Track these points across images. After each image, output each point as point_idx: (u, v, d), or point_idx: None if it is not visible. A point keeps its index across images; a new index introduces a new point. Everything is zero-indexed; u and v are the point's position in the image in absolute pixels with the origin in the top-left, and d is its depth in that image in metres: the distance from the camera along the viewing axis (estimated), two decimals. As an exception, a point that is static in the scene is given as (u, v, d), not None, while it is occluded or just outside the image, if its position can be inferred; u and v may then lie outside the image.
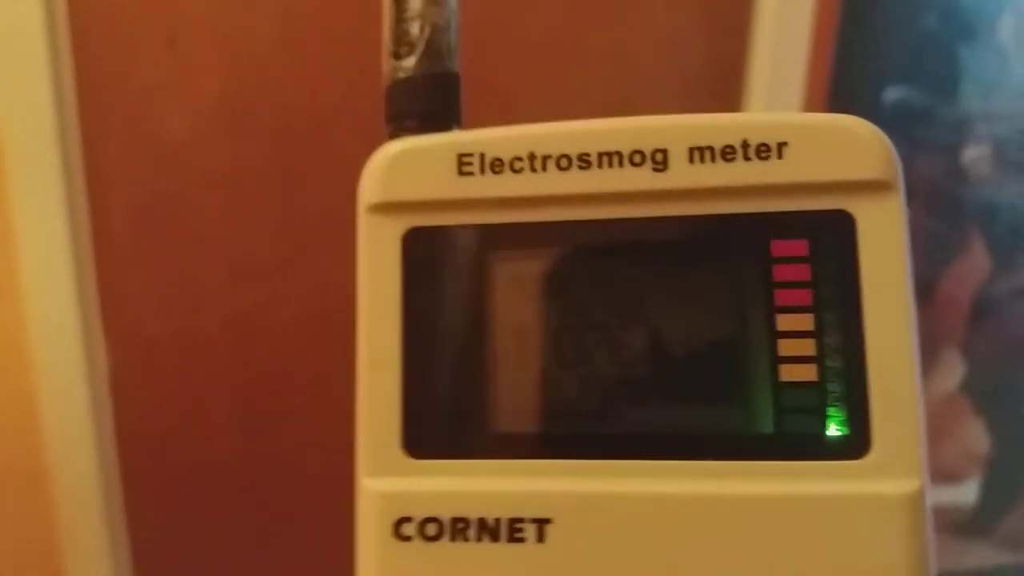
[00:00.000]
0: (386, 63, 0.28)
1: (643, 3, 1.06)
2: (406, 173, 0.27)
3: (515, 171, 0.26)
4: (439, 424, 0.26)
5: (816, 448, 0.25)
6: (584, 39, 1.05)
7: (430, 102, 0.28)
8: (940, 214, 1.22)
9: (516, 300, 0.27)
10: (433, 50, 0.28)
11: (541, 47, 1.05)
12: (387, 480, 0.26)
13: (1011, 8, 1.19)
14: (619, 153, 0.26)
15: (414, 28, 0.28)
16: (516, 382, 0.26)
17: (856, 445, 0.24)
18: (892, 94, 1.17)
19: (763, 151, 0.25)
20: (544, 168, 0.26)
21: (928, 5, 1.16)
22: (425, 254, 0.27)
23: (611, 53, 1.06)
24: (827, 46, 1.10)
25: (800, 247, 0.25)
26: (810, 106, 1.10)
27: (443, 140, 0.27)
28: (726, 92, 1.10)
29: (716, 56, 1.10)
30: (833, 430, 0.25)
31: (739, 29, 1.09)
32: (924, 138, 1.18)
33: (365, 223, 0.27)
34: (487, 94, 0.92)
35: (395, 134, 0.28)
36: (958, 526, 1.33)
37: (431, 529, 0.26)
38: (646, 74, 1.08)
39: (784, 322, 0.25)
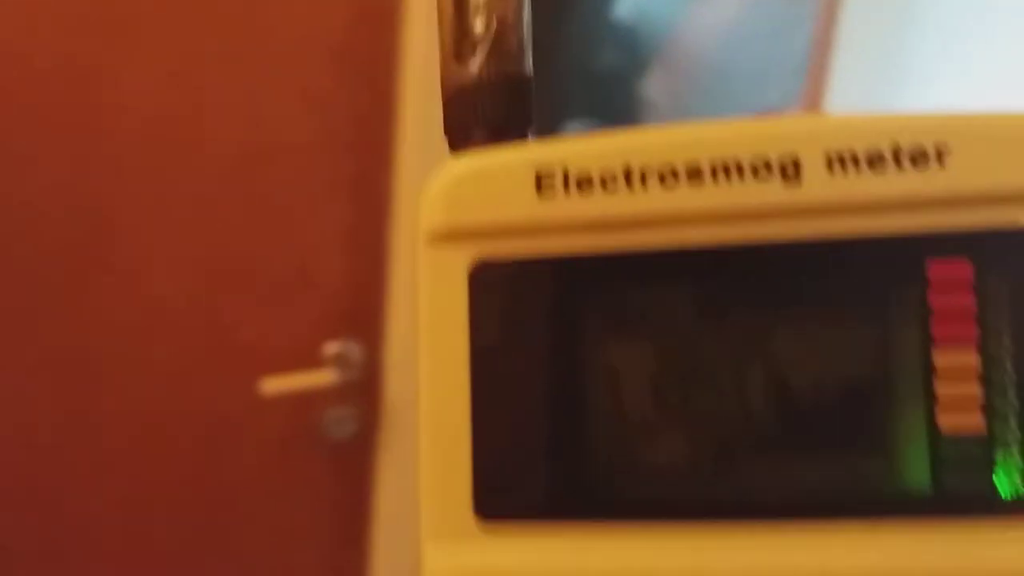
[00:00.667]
0: (445, 67, 0.24)
1: (272, 52, 1.01)
2: (474, 194, 0.22)
3: (607, 189, 0.21)
4: (518, 481, 0.22)
5: (986, 509, 0.20)
6: (207, 85, 1.00)
7: (501, 109, 0.23)
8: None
9: (610, 339, 0.22)
10: (502, 49, 0.23)
11: (156, 101, 0.99)
12: (455, 549, 0.22)
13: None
14: (739, 163, 0.21)
15: (478, 24, 0.23)
16: (612, 433, 0.22)
17: None
18: (571, 128, 1.15)
19: (919, 157, 0.20)
20: (643, 184, 0.21)
21: (607, 42, 1.16)
22: (497, 290, 0.22)
23: (239, 99, 1.01)
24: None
25: (963, 268, 0.20)
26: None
27: (518, 154, 0.22)
28: (376, 144, 1.06)
29: (358, 106, 1.05)
30: (1006, 489, 0.20)
31: (385, 78, 1.05)
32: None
33: (426, 255, 0.23)
34: (95, 155, 0.94)
35: (457, 148, 0.24)
36: None
37: None
38: (279, 122, 1.03)
39: (943, 359, 0.20)
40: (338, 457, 1.12)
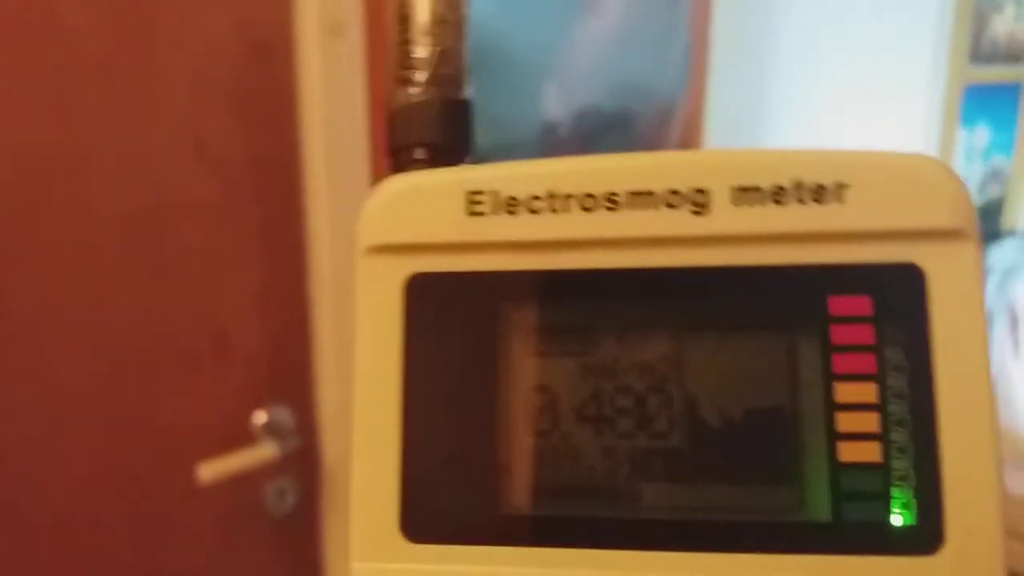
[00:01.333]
0: (390, 89, 0.25)
1: (162, 102, 0.92)
2: (409, 212, 0.23)
3: (532, 212, 0.23)
4: (442, 503, 0.22)
5: (881, 541, 0.21)
6: (89, 146, 0.88)
7: (440, 131, 0.25)
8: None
9: (532, 360, 0.23)
10: (443, 74, 0.25)
11: (33, 160, 0.86)
12: (381, 567, 0.22)
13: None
14: (652, 193, 0.22)
15: (422, 51, 0.25)
16: (532, 455, 0.23)
17: (927, 538, 0.21)
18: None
19: (819, 193, 0.22)
20: (566, 209, 0.23)
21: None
22: (430, 304, 0.23)
23: (128, 157, 0.90)
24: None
25: (862, 304, 0.22)
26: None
27: (450, 175, 0.24)
28: (280, 189, 1.00)
29: (261, 153, 0.99)
30: (900, 519, 0.21)
31: (285, 124, 0.99)
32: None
33: (363, 267, 0.23)
34: None
35: (399, 168, 0.25)
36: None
37: None
38: (176, 176, 0.94)
39: (843, 392, 0.21)
40: (283, 531, 1.07)
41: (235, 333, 1.00)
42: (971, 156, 2.12)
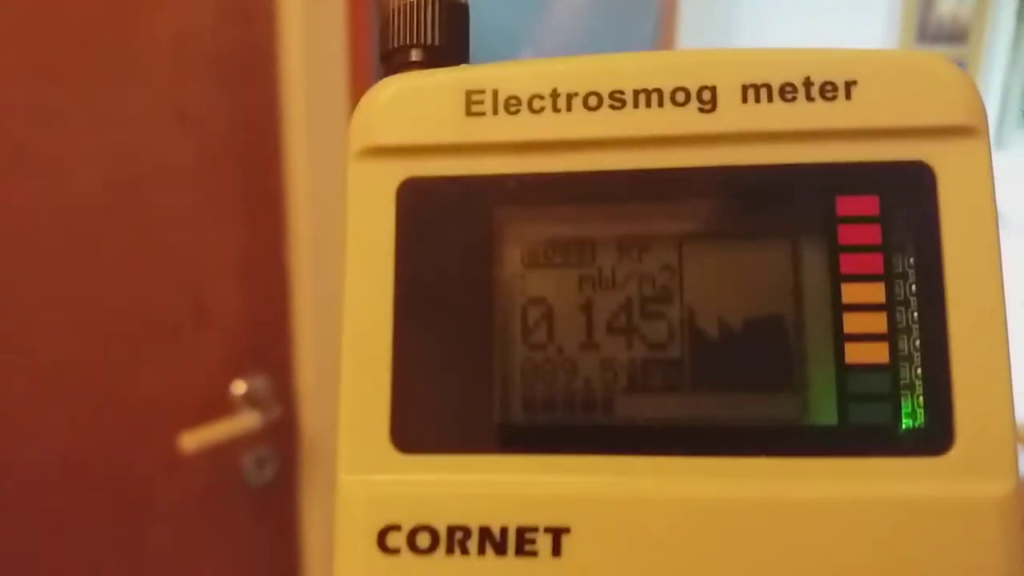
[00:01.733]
0: None
1: (142, 67, 0.90)
2: (405, 112, 0.22)
3: (534, 111, 0.22)
4: (434, 413, 0.22)
5: (888, 443, 0.21)
6: (67, 111, 0.86)
7: (439, 32, 0.24)
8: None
9: (530, 267, 0.22)
10: None
11: (7, 122, 0.84)
12: (371, 479, 0.21)
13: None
14: (659, 91, 0.22)
15: None
16: (529, 364, 0.22)
17: (936, 439, 0.20)
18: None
19: (828, 91, 0.21)
20: (569, 108, 0.22)
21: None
22: (424, 209, 0.22)
23: (107, 123, 0.88)
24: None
25: (870, 204, 0.21)
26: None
27: (449, 75, 0.23)
28: (260, 155, 0.99)
29: (241, 118, 0.97)
30: (909, 421, 0.21)
31: (266, 90, 0.98)
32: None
33: (354, 172, 0.23)
34: None
35: (393, 71, 0.24)
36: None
37: (423, 539, 0.21)
38: (155, 143, 0.92)
39: (850, 293, 0.21)
40: (261, 501, 1.07)
41: (214, 302, 0.99)
42: None
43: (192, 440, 0.97)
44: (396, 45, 0.24)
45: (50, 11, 0.85)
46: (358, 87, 1.01)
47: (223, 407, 1.01)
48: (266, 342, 1.04)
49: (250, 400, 1.02)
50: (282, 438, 1.06)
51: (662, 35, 1.52)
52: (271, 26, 0.97)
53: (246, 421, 1.01)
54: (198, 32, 0.94)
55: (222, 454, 1.01)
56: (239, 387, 1.02)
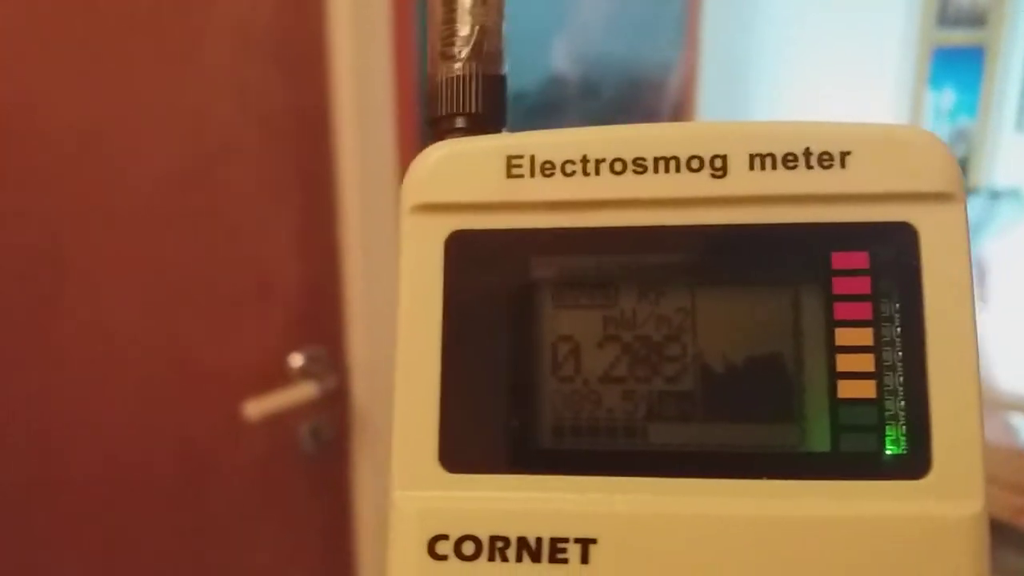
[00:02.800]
0: (433, 64, 0.27)
1: (209, 52, 0.95)
2: (453, 174, 0.26)
3: (566, 175, 0.25)
4: (478, 437, 0.25)
5: (874, 468, 0.24)
6: (140, 95, 0.92)
7: (480, 102, 0.27)
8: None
9: (560, 308, 0.26)
10: (483, 51, 0.27)
11: (87, 115, 0.88)
12: (422, 495, 0.25)
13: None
14: (676, 158, 0.25)
15: (464, 29, 0.27)
16: (560, 395, 0.25)
17: (916, 465, 0.24)
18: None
19: (825, 160, 0.24)
20: (597, 172, 0.25)
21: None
22: (469, 258, 0.25)
23: (176, 108, 0.94)
24: (410, 82, 1.06)
25: (861, 259, 0.24)
26: (402, 142, 1.06)
27: (492, 141, 0.26)
28: (313, 139, 1.04)
29: (296, 103, 1.02)
30: (892, 449, 0.24)
31: (318, 75, 1.03)
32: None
33: (408, 225, 0.26)
34: (23, 172, 0.84)
35: (440, 136, 0.27)
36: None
37: (468, 548, 0.24)
38: (220, 127, 0.98)
39: (843, 337, 0.24)
40: (316, 468, 1.11)
41: (275, 277, 1.04)
42: (938, 117, 2.18)
43: (256, 408, 1.01)
44: (443, 113, 0.27)
45: (122, 13, 0.89)
46: (402, 78, 1.04)
47: (281, 378, 1.05)
48: (321, 316, 1.08)
49: (307, 371, 1.05)
50: (335, 408, 1.10)
51: (688, 23, 1.54)
52: (323, 15, 1.01)
53: (303, 391, 1.04)
54: (257, 20, 0.97)
55: (280, 423, 1.05)
56: (296, 359, 1.05)
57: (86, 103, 0.88)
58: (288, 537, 1.11)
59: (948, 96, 2.18)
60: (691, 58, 1.56)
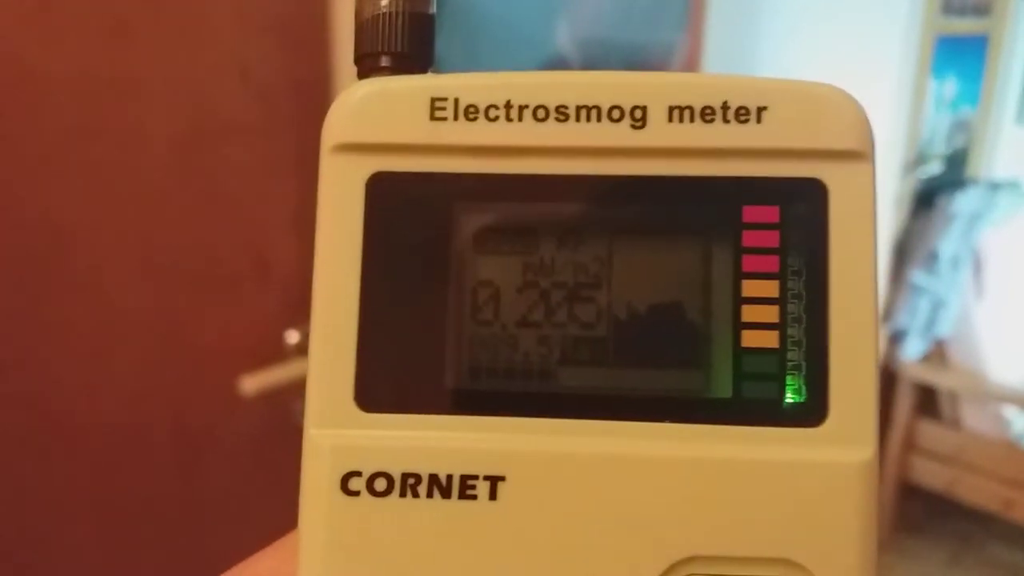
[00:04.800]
0: (361, 0, 0.27)
1: (209, 29, 0.95)
2: (375, 114, 0.26)
3: (489, 119, 0.25)
4: (394, 378, 0.25)
5: (774, 414, 0.25)
6: (141, 71, 0.92)
7: (406, 41, 0.27)
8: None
9: (480, 253, 0.26)
10: None
11: (88, 88, 0.89)
12: (336, 432, 0.25)
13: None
14: (598, 107, 0.25)
15: None
16: (478, 339, 0.26)
17: (813, 413, 0.25)
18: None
19: (742, 114, 0.25)
20: (520, 118, 0.25)
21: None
22: (389, 200, 0.26)
23: (175, 84, 0.94)
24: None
25: (771, 213, 0.25)
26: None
27: (416, 82, 0.26)
28: (314, 116, 0.99)
29: (297, 79, 1.03)
30: (791, 397, 0.25)
31: (319, 51, 1.03)
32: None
33: (328, 164, 0.26)
34: (24, 148, 0.84)
35: (364, 74, 0.27)
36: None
37: (380, 484, 0.25)
38: (220, 103, 0.98)
39: (750, 288, 0.25)
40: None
41: (273, 253, 1.04)
42: (940, 106, 2.17)
43: (252, 383, 1.01)
44: (368, 51, 0.27)
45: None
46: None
47: (277, 355, 1.05)
48: None
49: (302, 348, 1.05)
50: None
51: (692, 5, 1.54)
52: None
53: (299, 368, 1.04)
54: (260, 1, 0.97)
55: (275, 400, 1.05)
56: (292, 336, 1.05)
57: (86, 78, 0.88)
58: (282, 511, 1.11)
59: (950, 85, 2.18)
60: (694, 41, 1.57)
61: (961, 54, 2.17)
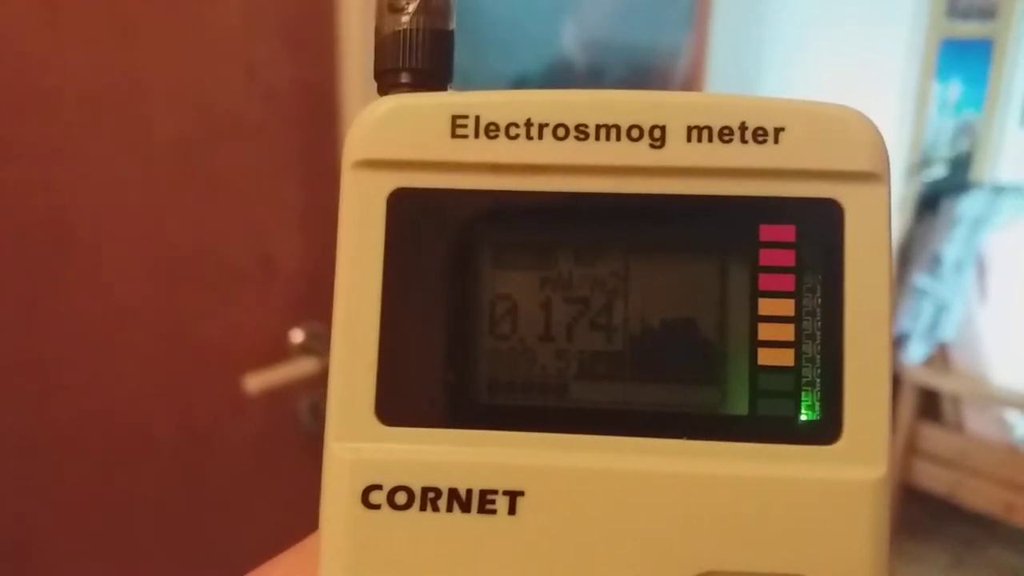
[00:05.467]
0: (381, 16, 0.27)
1: (216, 26, 0.95)
2: (397, 130, 0.26)
3: (510, 137, 0.25)
4: (414, 392, 0.26)
5: (789, 432, 0.25)
6: (148, 70, 0.91)
7: (426, 58, 0.27)
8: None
9: (499, 268, 0.26)
10: (431, 6, 0.27)
11: (95, 83, 0.88)
12: (357, 446, 0.25)
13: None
14: (617, 127, 0.25)
15: None
16: (495, 353, 0.26)
17: (828, 431, 0.25)
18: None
19: (760, 135, 0.25)
20: (540, 136, 0.25)
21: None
22: (410, 216, 0.26)
23: (182, 81, 0.94)
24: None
25: (788, 232, 0.25)
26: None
27: (438, 99, 0.26)
28: (319, 115, 1.03)
29: (303, 78, 1.02)
30: (806, 415, 0.25)
31: (325, 52, 1.02)
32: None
33: (349, 181, 0.26)
34: (29, 142, 0.83)
35: (384, 90, 0.27)
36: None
37: (401, 498, 0.25)
38: (226, 100, 0.97)
39: (766, 306, 0.25)
40: (313, 445, 1.06)
41: (278, 252, 1.04)
42: (944, 110, 2.17)
43: (256, 382, 1.01)
44: (388, 67, 0.27)
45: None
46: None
47: (281, 354, 1.05)
48: (322, 292, 1.06)
49: (306, 348, 1.05)
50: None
51: (697, 9, 1.55)
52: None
53: (303, 367, 1.04)
54: (267, -1, 0.96)
55: (280, 399, 1.05)
56: (297, 335, 1.05)
57: (93, 74, 0.88)
58: (285, 510, 1.11)
59: (954, 89, 2.18)
60: (699, 42, 1.57)
61: (965, 57, 2.17)
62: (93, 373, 0.94)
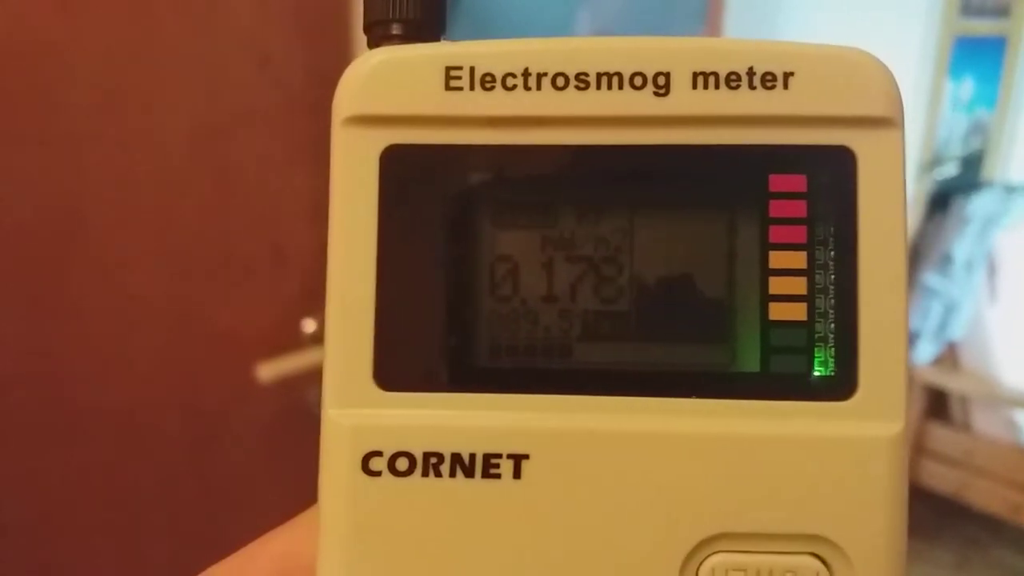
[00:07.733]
0: None
1: (229, 15, 0.95)
2: (388, 85, 0.25)
3: (507, 88, 0.24)
4: (413, 356, 0.25)
5: (802, 389, 0.24)
6: (160, 58, 0.91)
7: (418, 8, 0.26)
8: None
9: (499, 227, 0.25)
10: None
11: (110, 74, 0.89)
12: (356, 412, 0.24)
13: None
14: (619, 74, 0.24)
15: None
16: (497, 315, 0.25)
17: (842, 386, 0.24)
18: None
19: (768, 80, 0.24)
20: (539, 87, 0.24)
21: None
22: (404, 174, 0.25)
23: (196, 69, 0.94)
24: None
25: (799, 182, 0.24)
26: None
27: (430, 51, 0.25)
28: (330, 105, 0.98)
29: (316, 68, 1.02)
30: (820, 371, 0.24)
31: (338, 39, 1.02)
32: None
33: (340, 138, 0.25)
34: (43, 132, 0.83)
35: (375, 43, 0.26)
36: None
37: (402, 464, 0.24)
38: (239, 90, 0.97)
39: (777, 260, 0.24)
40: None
41: (290, 242, 1.04)
42: (956, 107, 2.16)
43: (268, 370, 1.01)
44: (378, 18, 0.26)
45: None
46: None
47: (293, 343, 1.05)
48: None
49: (318, 337, 1.05)
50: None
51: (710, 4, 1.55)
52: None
53: (315, 357, 1.04)
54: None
55: (291, 388, 1.06)
56: (309, 325, 1.05)
57: (106, 64, 0.88)
58: (296, 498, 1.12)
59: (967, 86, 2.17)
60: (712, 34, 1.57)
61: (979, 55, 2.16)
62: (105, 362, 0.94)
